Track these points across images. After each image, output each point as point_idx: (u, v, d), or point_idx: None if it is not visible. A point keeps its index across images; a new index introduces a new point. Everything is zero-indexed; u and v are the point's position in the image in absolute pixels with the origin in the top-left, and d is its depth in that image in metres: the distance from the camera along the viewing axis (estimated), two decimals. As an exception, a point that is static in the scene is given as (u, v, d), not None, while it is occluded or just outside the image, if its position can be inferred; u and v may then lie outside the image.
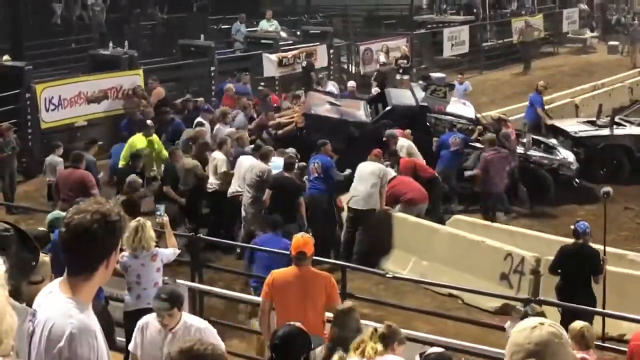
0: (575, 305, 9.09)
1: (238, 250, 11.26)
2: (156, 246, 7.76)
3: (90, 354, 2.95)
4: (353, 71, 22.67)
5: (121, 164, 12.99)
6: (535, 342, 2.50)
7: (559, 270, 9.05)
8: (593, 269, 8.81)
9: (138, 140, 13.13)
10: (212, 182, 12.25)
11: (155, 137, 13.35)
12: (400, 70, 21.85)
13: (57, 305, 3.01)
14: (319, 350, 6.60)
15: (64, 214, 8.37)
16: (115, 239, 3.04)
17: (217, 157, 12.28)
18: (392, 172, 12.31)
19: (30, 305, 4.66)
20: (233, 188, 11.93)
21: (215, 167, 12.23)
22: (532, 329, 2.53)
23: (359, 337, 5.62)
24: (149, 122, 13.73)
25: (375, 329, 5.62)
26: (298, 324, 5.24)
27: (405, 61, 22.24)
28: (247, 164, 11.78)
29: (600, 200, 13.92)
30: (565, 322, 7.91)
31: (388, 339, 5.55)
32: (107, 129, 16.11)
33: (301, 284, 6.69)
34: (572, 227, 9.10)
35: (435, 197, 12.71)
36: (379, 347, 5.46)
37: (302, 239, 6.86)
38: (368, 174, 11.70)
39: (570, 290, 8.86)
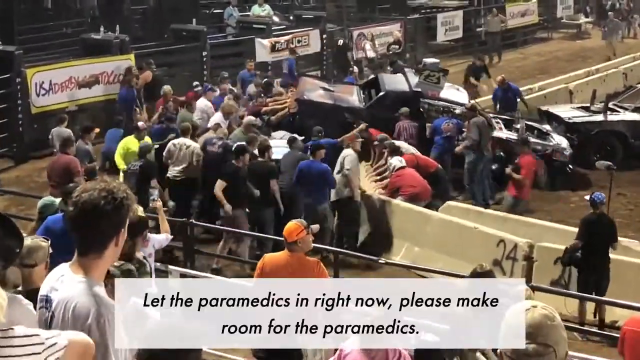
0: (569, 291, 9.11)
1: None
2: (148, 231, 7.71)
3: (114, 329, 2.97)
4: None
5: (121, 167, 12.21)
6: (527, 324, 2.50)
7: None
8: (611, 236, 9.41)
9: (131, 142, 12.44)
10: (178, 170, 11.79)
11: (147, 138, 12.51)
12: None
13: (75, 285, 3.02)
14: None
15: (54, 199, 8.30)
16: (123, 216, 3.04)
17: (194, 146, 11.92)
18: (398, 162, 12.21)
19: (17, 286, 4.59)
20: None
21: (191, 155, 11.80)
22: (525, 312, 2.53)
23: None
24: (140, 124, 12.99)
25: None
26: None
27: (397, 46, 22.13)
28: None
29: (593, 185, 14.05)
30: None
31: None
32: (98, 114, 16.00)
33: (291, 270, 6.70)
34: (588, 197, 9.77)
35: (443, 191, 12.63)
36: None
37: (296, 226, 6.81)
38: (337, 162, 11.50)
39: (589, 258, 9.28)
